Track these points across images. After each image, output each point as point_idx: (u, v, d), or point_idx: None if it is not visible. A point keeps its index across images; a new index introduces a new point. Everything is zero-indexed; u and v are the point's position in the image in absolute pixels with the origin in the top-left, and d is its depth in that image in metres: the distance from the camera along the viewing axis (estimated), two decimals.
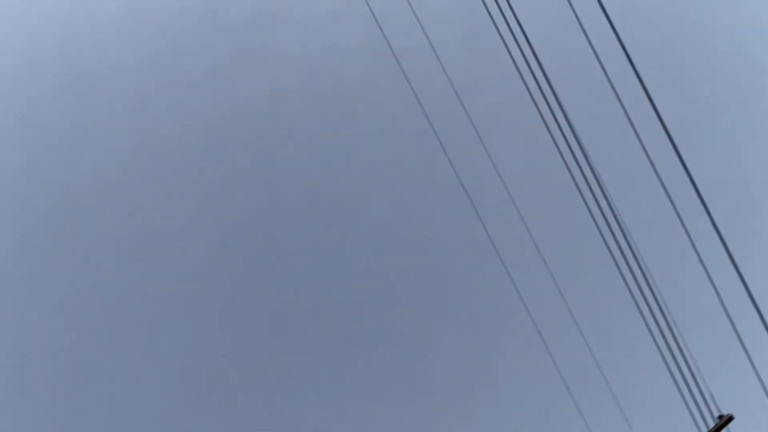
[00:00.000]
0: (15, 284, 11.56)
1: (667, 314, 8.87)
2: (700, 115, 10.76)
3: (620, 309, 9.25)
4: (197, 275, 11.93)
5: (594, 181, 9.06)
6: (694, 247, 8.49)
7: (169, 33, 11.35)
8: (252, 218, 11.90)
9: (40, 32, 11.41)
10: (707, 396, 8.80)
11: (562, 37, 9.95)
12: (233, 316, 12.06)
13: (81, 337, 11.83)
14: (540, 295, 10.02)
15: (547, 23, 10.23)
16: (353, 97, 11.60)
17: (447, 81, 9.51)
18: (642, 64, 9.56)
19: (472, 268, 11.66)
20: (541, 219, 9.94)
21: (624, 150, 9.73)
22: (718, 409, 8.84)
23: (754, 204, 10.89)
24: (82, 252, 11.89)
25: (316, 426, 11.92)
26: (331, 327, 12.10)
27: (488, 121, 9.88)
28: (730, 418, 9.24)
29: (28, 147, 11.44)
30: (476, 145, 9.66)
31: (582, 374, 9.88)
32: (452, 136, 10.00)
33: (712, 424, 9.13)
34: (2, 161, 11.42)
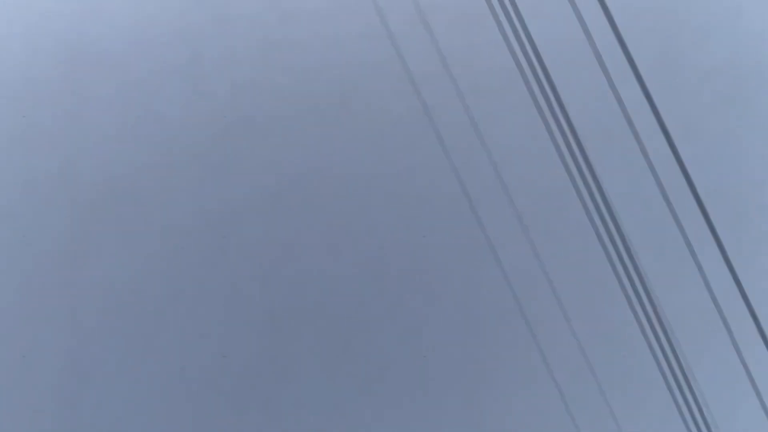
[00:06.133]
0: (15, 284, 11.61)
1: (668, 329, 8.89)
2: (700, 114, 10.81)
3: (620, 318, 9.27)
4: (197, 275, 11.96)
5: (593, 183, 9.10)
6: (698, 265, 8.51)
7: (173, 29, 11.37)
8: (252, 218, 11.93)
9: (39, 30, 11.42)
10: (708, 417, 8.86)
11: (561, 33, 10.03)
12: (233, 316, 12.11)
13: (81, 337, 11.89)
14: (536, 299, 10.05)
15: (547, 23, 10.27)
16: (352, 95, 11.62)
17: (445, 78, 9.58)
18: (641, 64, 9.64)
19: (473, 268, 11.67)
20: (539, 221, 9.98)
21: (623, 151, 9.79)
22: (717, 427, 8.85)
23: (756, 208, 10.91)
24: (82, 251, 11.93)
25: (316, 426, 11.96)
26: (330, 327, 12.15)
27: (489, 120, 9.93)
28: None
29: (28, 146, 11.48)
30: (476, 144, 9.74)
31: (579, 382, 9.91)
32: (452, 134, 10.08)
33: None
34: (2, 161, 11.44)
